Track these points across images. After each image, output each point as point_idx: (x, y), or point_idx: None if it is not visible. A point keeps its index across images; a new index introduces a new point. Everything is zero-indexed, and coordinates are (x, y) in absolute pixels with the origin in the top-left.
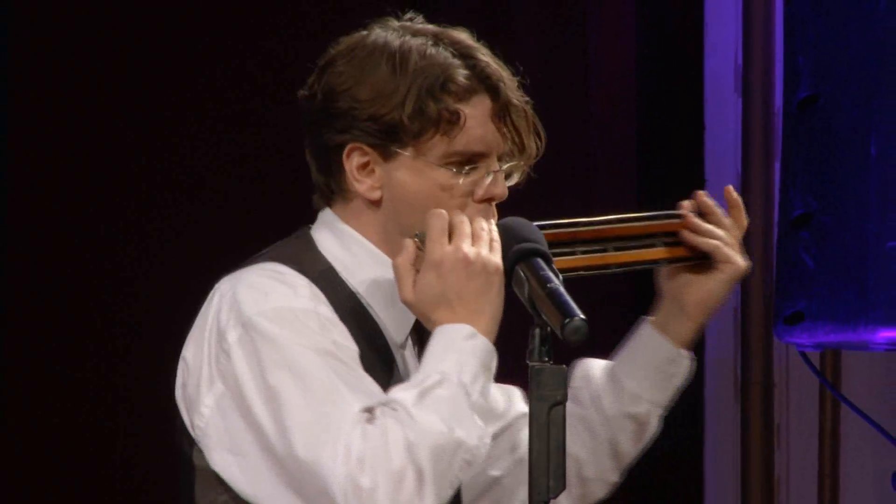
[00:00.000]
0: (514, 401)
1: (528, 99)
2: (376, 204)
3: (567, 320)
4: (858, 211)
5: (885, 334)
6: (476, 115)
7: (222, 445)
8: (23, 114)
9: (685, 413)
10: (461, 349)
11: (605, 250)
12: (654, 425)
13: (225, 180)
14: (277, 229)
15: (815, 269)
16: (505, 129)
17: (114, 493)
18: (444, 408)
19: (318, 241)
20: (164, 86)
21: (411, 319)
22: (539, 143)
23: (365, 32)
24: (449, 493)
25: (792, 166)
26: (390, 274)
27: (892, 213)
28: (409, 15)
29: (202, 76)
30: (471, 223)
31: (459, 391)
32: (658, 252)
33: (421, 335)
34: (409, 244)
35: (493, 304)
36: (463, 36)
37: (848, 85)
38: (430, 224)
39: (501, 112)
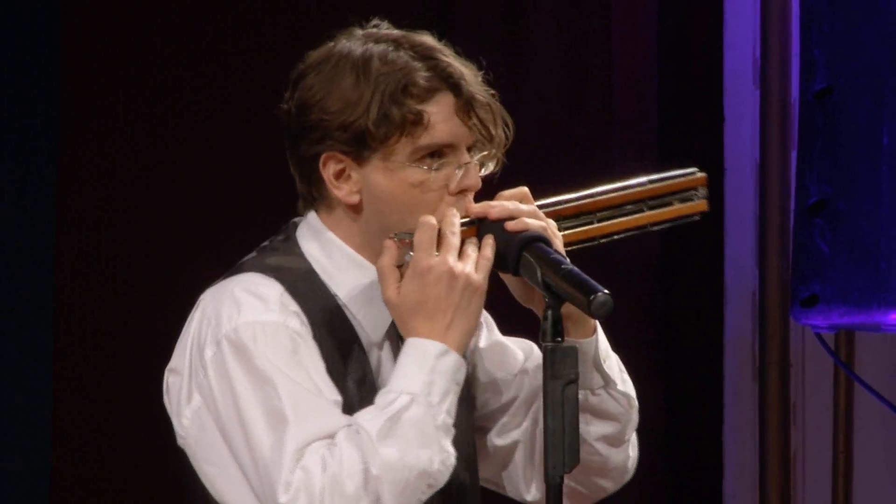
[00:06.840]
0: (533, 354)
1: (492, 91)
2: (357, 208)
3: (592, 297)
4: (871, 198)
5: None
6: (439, 113)
7: (202, 457)
8: (75, 118)
9: (705, 392)
10: (432, 368)
11: (591, 223)
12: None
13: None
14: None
15: (829, 254)
16: (471, 123)
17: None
18: (411, 435)
19: (302, 245)
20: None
21: (388, 319)
22: (507, 131)
23: (332, 44)
24: None
25: (808, 155)
26: (367, 277)
27: None
28: (373, 22)
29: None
30: (460, 239)
31: (427, 414)
32: (646, 217)
33: (399, 334)
34: (391, 245)
35: (468, 320)
36: (425, 38)
37: (861, 77)
38: (420, 233)
39: (465, 107)
